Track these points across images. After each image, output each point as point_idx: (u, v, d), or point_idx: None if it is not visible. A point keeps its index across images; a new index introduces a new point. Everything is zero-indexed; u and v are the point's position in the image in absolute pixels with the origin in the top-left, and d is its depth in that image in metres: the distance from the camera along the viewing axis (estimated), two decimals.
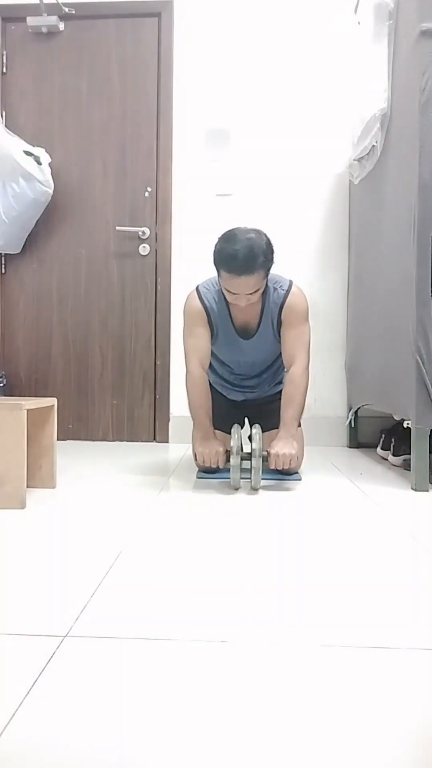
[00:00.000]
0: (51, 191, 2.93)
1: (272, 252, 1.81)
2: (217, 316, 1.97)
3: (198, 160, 3.02)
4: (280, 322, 1.96)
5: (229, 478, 1.87)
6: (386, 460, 2.50)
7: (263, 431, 1.99)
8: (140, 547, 1.30)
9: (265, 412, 2.16)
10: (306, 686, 0.73)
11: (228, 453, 1.89)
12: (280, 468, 1.88)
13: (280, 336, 1.98)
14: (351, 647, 0.84)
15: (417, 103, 1.90)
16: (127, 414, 3.07)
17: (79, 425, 3.08)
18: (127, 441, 3.05)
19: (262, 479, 1.88)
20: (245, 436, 2.20)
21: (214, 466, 1.93)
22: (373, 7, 2.25)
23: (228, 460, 1.88)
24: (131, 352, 3.09)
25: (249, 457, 1.85)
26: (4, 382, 3.04)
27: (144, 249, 3.05)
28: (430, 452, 1.95)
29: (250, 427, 2.25)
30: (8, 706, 0.67)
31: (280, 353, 2.03)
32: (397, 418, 2.32)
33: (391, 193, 2.23)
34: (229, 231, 1.83)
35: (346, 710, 0.67)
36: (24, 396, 3.02)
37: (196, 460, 1.98)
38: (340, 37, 2.86)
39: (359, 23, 2.47)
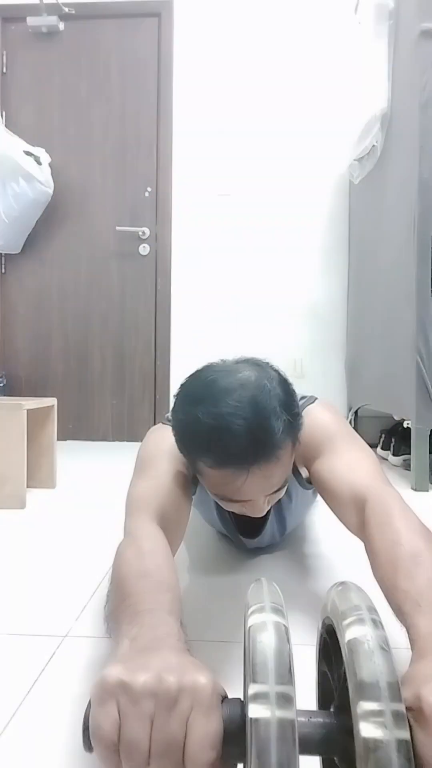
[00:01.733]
0: (51, 191, 2.93)
1: (294, 395, 0.86)
2: (203, 488, 0.94)
3: (198, 160, 3.02)
4: (299, 471, 1.05)
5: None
6: (386, 460, 2.50)
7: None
8: None
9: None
10: (305, 685, 0.73)
11: (233, 720, 0.42)
12: None
13: (311, 483, 1.03)
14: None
15: (417, 103, 1.90)
16: (127, 414, 3.07)
17: (79, 425, 3.08)
18: (127, 441, 3.05)
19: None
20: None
21: None
22: (373, 7, 2.25)
23: (230, 757, 0.41)
24: (131, 352, 3.09)
25: (328, 744, 0.43)
26: (4, 382, 3.05)
27: (144, 249, 3.05)
28: (430, 452, 1.95)
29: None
30: (9, 705, 0.67)
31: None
32: (397, 418, 2.32)
33: (391, 193, 2.23)
34: (199, 375, 0.84)
35: None
36: (24, 396, 3.02)
37: (86, 737, 0.42)
38: (340, 37, 2.86)
39: (359, 23, 2.47)
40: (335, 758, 0.44)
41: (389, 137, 2.26)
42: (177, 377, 3.25)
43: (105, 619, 0.64)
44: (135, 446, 1.04)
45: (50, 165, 2.91)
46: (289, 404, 0.81)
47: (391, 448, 2.42)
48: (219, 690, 0.43)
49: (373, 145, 2.38)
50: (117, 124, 3.08)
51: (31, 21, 3.03)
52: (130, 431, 3.06)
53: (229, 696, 0.44)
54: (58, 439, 1.93)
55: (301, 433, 0.88)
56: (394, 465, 2.38)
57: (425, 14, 1.90)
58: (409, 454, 2.04)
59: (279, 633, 0.43)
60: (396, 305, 2.12)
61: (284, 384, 0.83)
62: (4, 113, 3.11)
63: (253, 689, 0.39)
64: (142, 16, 3.06)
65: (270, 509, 1.05)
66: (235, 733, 0.40)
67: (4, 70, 3.12)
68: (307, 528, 1.42)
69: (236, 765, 0.42)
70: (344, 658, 0.42)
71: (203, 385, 0.80)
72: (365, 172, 2.55)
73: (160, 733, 0.40)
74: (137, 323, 3.08)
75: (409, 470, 2.05)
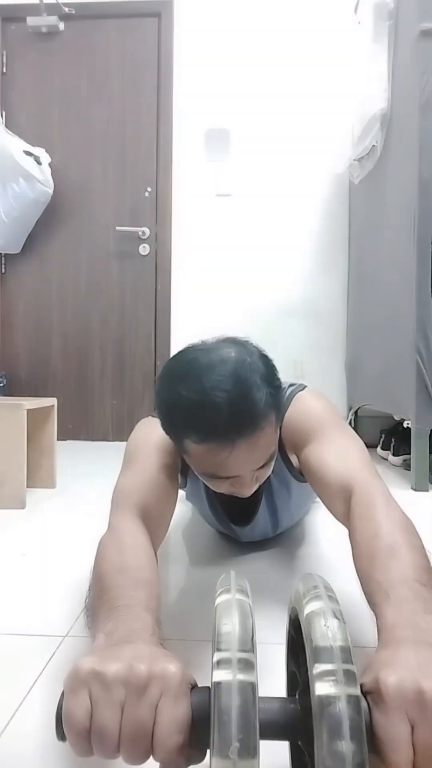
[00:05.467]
0: (51, 191, 2.93)
1: (274, 369, 0.86)
2: (194, 480, 1.07)
3: (198, 160, 3.02)
4: (288, 459, 1.04)
5: None
6: (386, 460, 2.50)
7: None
8: None
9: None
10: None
11: (201, 706, 0.42)
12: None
13: (303, 476, 1.00)
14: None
15: (417, 103, 1.90)
16: (127, 414, 3.07)
17: (79, 425, 3.08)
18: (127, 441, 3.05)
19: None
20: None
21: (135, 757, 0.42)
22: (373, 7, 2.25)
23: (198, 742, 0.42)
24: (131, 352, 3.09)
25: (291, 729, 0.44)
26: (4, 382, 3.04)
27: (144, 249, 3.05)
28: (430, 452, 1.95)
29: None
30: (9, 705, 0.67)
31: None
32: (397, 418, 2.32)
33: (391, 193, 2.23)
34: (180, 356, 0.85)
35: None
36: (24, 396, 3.02)
37: (58, 724, 0.44)
38: (340, 37, 2.86)
39: (359, 23, 2.46)
40: (300, 743, 0.45)
41: (389, 137, 2.26)
42: None
43: (85, 611, 0.66)
44: None
45: (50, 165, 2.91)
46: (270, 377, 0.82)
47: (391, 448, 2.42)
48: (188, 678, 0.45)
49: (373, 145, 2.38)
50: (117, 124, 3.08)
51: (31, 21, 3.03)
52: (130, 431, 3.03)
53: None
54: (58, 439, 1.93)
55: (290, 419, 0.96)
56: (394, 465, 2.38)
57: (425, 14, 1.90)
58: (409, 454, 2.04)
59: (242, 609, 0.46)
60: (396, 305, 2.12)
61: (264, 359, 0.84)
62: (4, 113, 3.11)
63: (216, 657, 0.41)
64: (142, 16, 3.06)
65: (261, 496, 1.08)
66: (204, 719, 0.40)
67: (4, 70, 3.12)
68: (306, 529, 1.42)
69: (205, 750, 0.42)
70: (303, 631, 0.44)
71: (185, 363, 0.81)
72: (365, 172, 2.55)
73: (130, 719, 0.41)
74: (137, 323, 3.08)
75: (409, 470, 2.05)
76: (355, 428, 2.92)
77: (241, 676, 0.40)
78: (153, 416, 1.01)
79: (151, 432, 0.98)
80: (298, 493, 1.13)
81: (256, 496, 1.05)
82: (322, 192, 3.00)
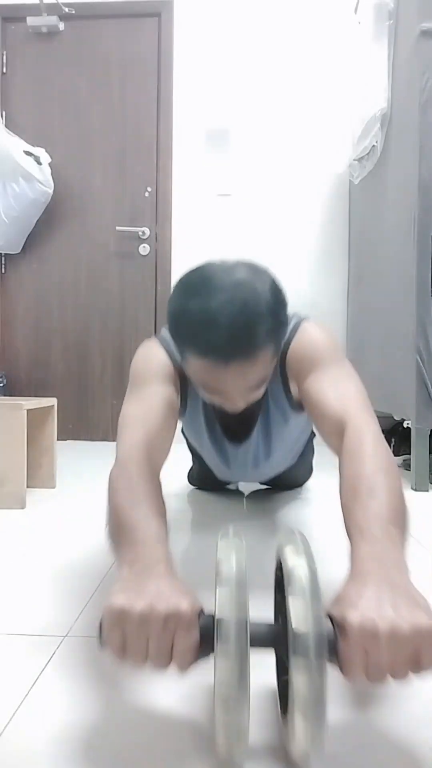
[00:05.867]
0: (51, 191, 2.93)
1: (283, 303, 0.89)
2: (193, 393, 1.15)
3: (198, 160, 3.02)
4: (288, 387, 1.10)
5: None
6: None
7: (283, 486, 1.52)
8: None
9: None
10: None
11: (207, 628, 0.56)
12: (375, 681, 0.53)
13: (301, 406, 1.10)
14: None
15: (417, 103, 1.90)
16: None
17: (79, 425, 3.08)
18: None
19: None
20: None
21: (159, 668, 0.57)
22: (373, 7, 2.25)
23: (205, 652, 0.56)
24: (131, 352, 3.06)
25: (272, 640, 0.60)
26: (4, 382, 3.05)
27: (144, 249, 3.05)
28: (430, 452, 1.95)
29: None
30: (9, 705, 0.67)
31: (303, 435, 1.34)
32: (397, 418, 2.32)
33: (391, 193, 2.23)
34: (198, 271, 0.87)
35: (343, 710, 0.68)
36: (24, 396, 3.02)
37: (101, 637, 0.59)
38: (340, 37, 2.86)
39: (359, 23, 2.47)
40: (280, 654, 0.60)
41: (389, 137, 2.26)
42: None
43: (107, 537, 0.78)
44: None
45: (50, 165, 2.91)
46: (277, 311, 0.86)
47: (391, 448, 2.43)
48: (197, 609, 0.57)
49: (373, 145, 2.38)
50: (117, 124, 3.08)
51: (31, 21, 3.04)
52: None
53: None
54: (58, 439, 1.93)
55: (295, 348, 1.02)
56: None
57: (425, 14, 1.90)
58: (409, 454, 2.04)
59: (238, 549, 0.61)
60: (396, 305, 2.12)
61: (276, 291, 0.87)
62: (4, 113, 3.11)
63: (218, 598, 0.55)
64: (142, 16, 3.06)
65: (257, 417, 1.16)
66: (209, 635, 0.55)
67: (4, 70, 3.12)
68: (303, 524, 1.42)
69: (210, 652, 0.55)
70: (284, 582, 0.57)
71: (200, 280, 0.85)
72: (365, 172, 2.55)
73: (154, 647, 0.56)
74: (137, 323, 3.08)
75: (409, 470, 2.05)
76: None
77: (237, 615, 0.53)
78: (155, 337, 1.13)
79: (151, 358, 1.09)
80: (294, 423, 1.19)
81: (252, 417, 1.14)
82: (322, 192, 3.00)
